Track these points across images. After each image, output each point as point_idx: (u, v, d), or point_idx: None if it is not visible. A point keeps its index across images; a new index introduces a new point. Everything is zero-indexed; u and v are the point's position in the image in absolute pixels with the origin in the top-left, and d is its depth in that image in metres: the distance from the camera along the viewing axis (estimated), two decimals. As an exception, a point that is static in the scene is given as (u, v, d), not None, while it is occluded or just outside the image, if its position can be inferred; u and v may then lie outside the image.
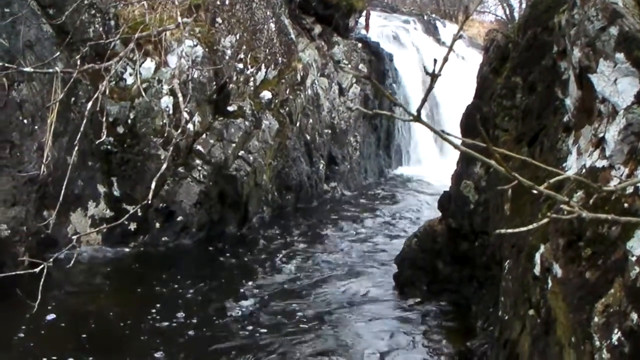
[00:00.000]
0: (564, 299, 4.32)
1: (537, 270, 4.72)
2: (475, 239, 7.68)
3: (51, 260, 4.43)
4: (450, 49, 2.40)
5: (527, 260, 4.93)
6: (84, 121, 6.95)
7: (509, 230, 3.06)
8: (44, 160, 7.43)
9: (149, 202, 5.27)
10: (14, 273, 5.00)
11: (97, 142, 8.73)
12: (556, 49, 5.77)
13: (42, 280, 4.29)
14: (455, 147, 2.62)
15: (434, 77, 2.30)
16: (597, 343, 3.76)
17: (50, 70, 7.76)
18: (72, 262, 6.37)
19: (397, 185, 16.02)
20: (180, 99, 6.91)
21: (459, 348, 6.80)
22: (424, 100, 2.30)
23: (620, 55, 4.31)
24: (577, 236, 4.27)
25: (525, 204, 5.58)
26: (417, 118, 2.38)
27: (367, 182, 15.95)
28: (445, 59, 2.34)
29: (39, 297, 4.52)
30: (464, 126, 8.07)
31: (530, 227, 2.82)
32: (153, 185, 5.60)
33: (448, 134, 2.51)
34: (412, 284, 8.47)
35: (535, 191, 2.60)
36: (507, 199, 6.06)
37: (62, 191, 6.18)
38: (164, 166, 6.24)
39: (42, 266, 4.21)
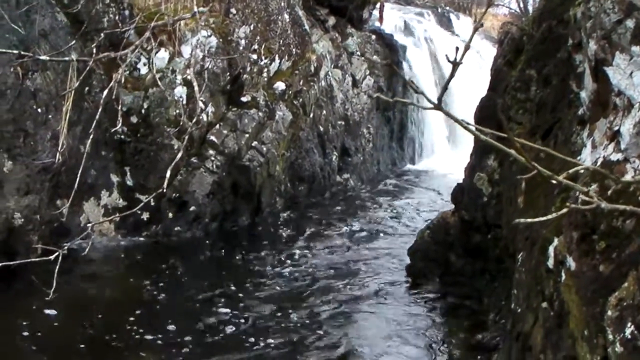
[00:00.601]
0: (578, 292, 4.31)
1: (550, 263, 4.71)
2: (488, 232, 7.68)
3: (66, 247, 4.43)
4: (472, 36, 2.40)
5: (540, 252, 4.92)
6: (100, 110, 6.95)
7: (527, 220, 3.07)
8: (59, 148, 7.45)
9: (164, 190, 5.27)
10: (29, 260, 5.03)
11: (112, 130, 8.74)
12: (571, 42, 5.75)
13: (57, 267, 4.30)
14: (476, 135, 2.62)
15: (455, 65, 2.30)
16: (610, 336, 3.75)
17: (66, 58, 7.77)
18: (88, 249, 6.38)
19: (410, 177, 16.02)
20: (196, 87, 6.90)
21: (470, 340, 6.80)
22: (444, 88, 2.30)
23: (636, 48, 4.29)
24: (591, 229, 4.25)
25: (539, 196, 5.57)
26: (438, 106, 2.38)
27: (379, 174, 15.94)
28: (467, 47, 2.34)
29: (54, 284, 4.53)
30: (477, 118, 8.04)
31: (550, 217, 2.82)
32: (168, 174, 5.60)
33: (468, 123, 2.51)
34: (424, 276, 8.48)
35: (554, 181, 2.60)
36: (521, 191, 6.06)
37: (77, 180, 6.18)
38: (180, 154, 6.26)
39: (57, 253, 4.21)
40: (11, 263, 5.27)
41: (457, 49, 2.32)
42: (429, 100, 2.44)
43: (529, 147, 3.03)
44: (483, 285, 7.75)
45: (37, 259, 4.64)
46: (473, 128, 2.50)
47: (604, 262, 4.08)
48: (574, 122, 5.44)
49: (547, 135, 6.08)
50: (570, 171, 2.82)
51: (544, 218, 2.80)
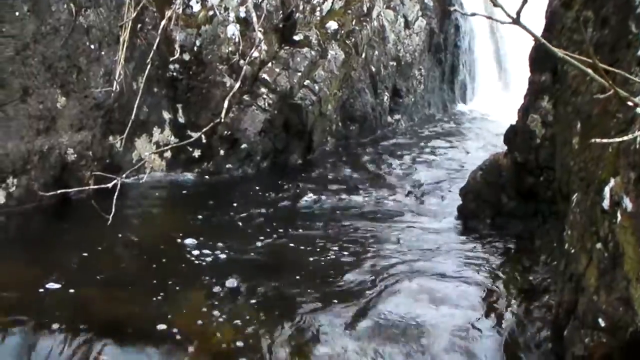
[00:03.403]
0: (633, 233, 4.28)
1: (606, 203, 4.67)
2: (541, 174, 7.62)
3: (124, 176, 4.50)
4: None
5: (596, 193, 4.88)
6: (154, 46, 6.97)
7: (604, 140, 3.01)
8: (116, 77, 7.48)
9: (222, 120, 5.30)
10: (89, 187, 5.11)
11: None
12: (631, -19, 5.65)
13: (115, 195, 4.36)
14: (555, 54, 2.58)
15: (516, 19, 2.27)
16: (666, 278, 3.73)
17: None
18: (144, 178, 6.45)
19: (460, 120, 15.91)
20: (255, 18, 6.89)
21: (522, 281, 6.79)
22: (524, 2, 2.27)
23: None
24: (650, 169, 4.22)
25: (595, 138, 5.51)
26: (517, 21, 2.35)
27: (430, 116, 15.84)
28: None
29: (113, 210, 4.60)
30: (532, 59, 7.96)
31: (625, 137, 2.78)
32: (226, 104, 5.67)
33: (544, 42, 2.48)
34: (475, 217, 8.44)
35: (630, 103, 2.56)
36: (576, 132, 5.99)
37: (132, 116, 6.23)
38: (237, 85, 6.26)
39: (115, 181, 4.27)
40: (72, 190, 5.38)
41: None
42: (508, 15, 2.41)
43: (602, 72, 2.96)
44: (535, 227, 7.71)
45: (96, 187, 4.72)
46: (551, 47, 2.46)
47: (661, 202, 4.04)
48: (633, 63, 5.35)
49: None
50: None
51: (618, 139, 2.77)
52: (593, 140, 3.03)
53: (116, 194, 4.50)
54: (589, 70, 2.50)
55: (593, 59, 2.36)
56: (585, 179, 5.35)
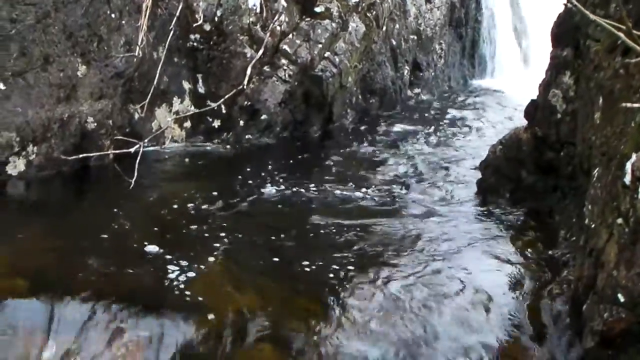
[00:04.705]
0: (655, 209, 4.28)
1: (627, 179, 4.66)
2: (561, 149, 7.60)
3: (146, 140, 4.51)
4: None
5: (617, 168, 4.86)
6: (176, 16, 6.96)
7: (635, 105, 3.00)
8: (138, 43, 7.49)
9: (244, 87, 5.31)
10: (111, 152, 5.14)
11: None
12: (658, -45, 5.61)
13: (138, 159, 4.38)
14: (588, 17, 2.57)
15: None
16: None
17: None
18: (165, 145, 6.46)
19: (480, 94, 15.84)
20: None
21: (541, 256, 6.78)
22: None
23: None
24: (672, 145, 4.20)
25: (618, 113, 5.48)
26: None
27: (450, 91, 15.82)
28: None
29: (135, 174, 4.62)
30: (554, 34, 7.92)
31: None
32: (249, 71, 5.66)
33: (577, 4, 2.47)
34: (495, 191, 8.42)
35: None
36: (598, 107, 5.97)
37: (154, 84, 6.24)
38: (260, 53, 6.26)
39: (137, 145, 4.28)
40: (94, 154, 5.41)
41: None
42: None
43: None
44: (554, 202, 7.68)
45: (119, 151, 4.74)
46: (587, 12, 2.45)
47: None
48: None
49: (627, 51, 5.95)
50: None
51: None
52: (623, 104, 3.01)
53: (138, 158, 4.52)
54: (622, 35, 2.49)
55: (626, 23, 2.35)
56: (606, 154, 5.33)
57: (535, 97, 8.10)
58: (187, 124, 10.00)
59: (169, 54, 9.34)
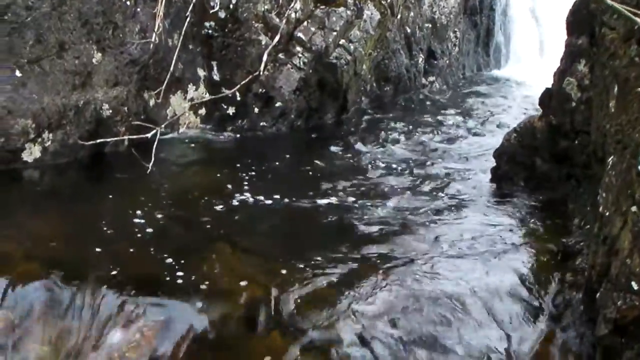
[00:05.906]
0: (669, 196, 4.28)
1: (642, 166, 4.67)
2: (575, 137, 7.59)
3: (163, 125, 4.53)
4: None
5: (632, 156, 4.86)
6: (192, 2, 6.98)
7: None
8: (155, 29, 7.50)
9: (260, 73, 5.32)
10: (127, 137, 5.17)
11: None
12: (675, -57, 5.59)
13: (155, 144, 4.40)
14: (605, 2, 2.58)
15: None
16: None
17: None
18: (180, 131, 6.48)
19: (495, 83, 15.86)
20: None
21: (554, 244, 6.77)
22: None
23: None
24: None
25: (633, 101, 5.47)
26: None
27: (464, 79, 15.83)
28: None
29: (152, 159, 4.65)
30: (569, 22, 7.91)
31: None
32: (265, 57, 5.64)
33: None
34: (509, 179, 8.42)
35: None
36: (613, 96, 5.96)
37: (170, 70, 6.26)
38: (277, 38, 6.27)
39: (154, 131, 4.31)
40: (110, 139, 5.43)
41: None
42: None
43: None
44: (568, 190, 7.68)
45: (135, 137, 4.76)
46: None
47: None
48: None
49: (643, 39, 5.94)
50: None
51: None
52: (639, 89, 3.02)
53: (155, 143, 4.55)
54: (638, 20, 2.50)
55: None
56: (621, 142, 5.32)
57: (549, 86, 8.10)
58: (202, 111, 10.01)
59: (184, 41, 9.36)
